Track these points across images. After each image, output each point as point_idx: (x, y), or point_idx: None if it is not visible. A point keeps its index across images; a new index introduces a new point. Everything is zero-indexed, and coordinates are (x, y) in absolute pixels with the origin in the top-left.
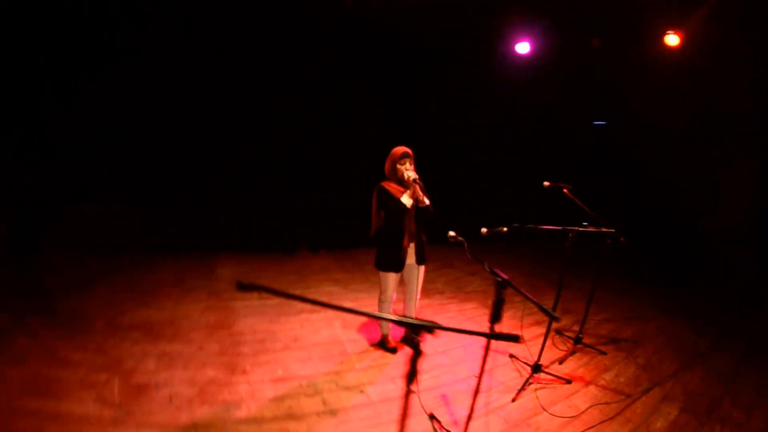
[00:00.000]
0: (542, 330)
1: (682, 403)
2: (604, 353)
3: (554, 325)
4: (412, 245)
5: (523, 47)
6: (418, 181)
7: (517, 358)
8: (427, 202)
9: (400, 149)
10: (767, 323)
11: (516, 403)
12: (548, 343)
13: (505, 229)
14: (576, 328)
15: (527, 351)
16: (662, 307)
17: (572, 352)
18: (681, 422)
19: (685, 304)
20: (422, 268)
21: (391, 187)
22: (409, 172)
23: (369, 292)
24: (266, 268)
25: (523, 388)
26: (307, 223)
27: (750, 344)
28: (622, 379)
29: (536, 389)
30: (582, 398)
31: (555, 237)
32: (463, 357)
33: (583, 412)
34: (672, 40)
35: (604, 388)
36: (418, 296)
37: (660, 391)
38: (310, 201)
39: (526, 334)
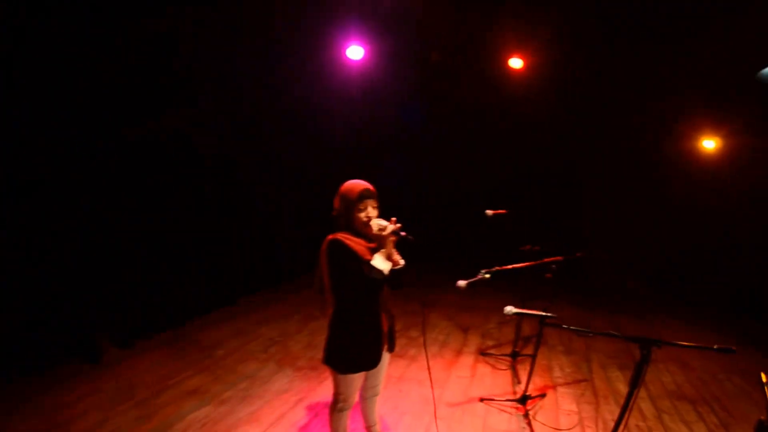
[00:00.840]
0: (476, 362)
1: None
2: (534, 356)
3: (477, 347)
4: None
5: (355, 53)
6: (398, 232)
7: (493, 399)
8: (402, 262)
9: (358, 186)
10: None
11: None
12: (485, 369)
13: (488, 275)
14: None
15: (485, 388)
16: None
17: (513, 366)
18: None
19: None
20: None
21: (352, 241)
22: (379, 220)
23: (265, 398)
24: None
25: (529, 426)
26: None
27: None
28: (568, 370)
29: (533, 417)
30: (565, 401)
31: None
32: None
33: (580, 411)
34: (516, 63)
35: (566, 384)
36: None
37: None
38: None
39: (464, 370)
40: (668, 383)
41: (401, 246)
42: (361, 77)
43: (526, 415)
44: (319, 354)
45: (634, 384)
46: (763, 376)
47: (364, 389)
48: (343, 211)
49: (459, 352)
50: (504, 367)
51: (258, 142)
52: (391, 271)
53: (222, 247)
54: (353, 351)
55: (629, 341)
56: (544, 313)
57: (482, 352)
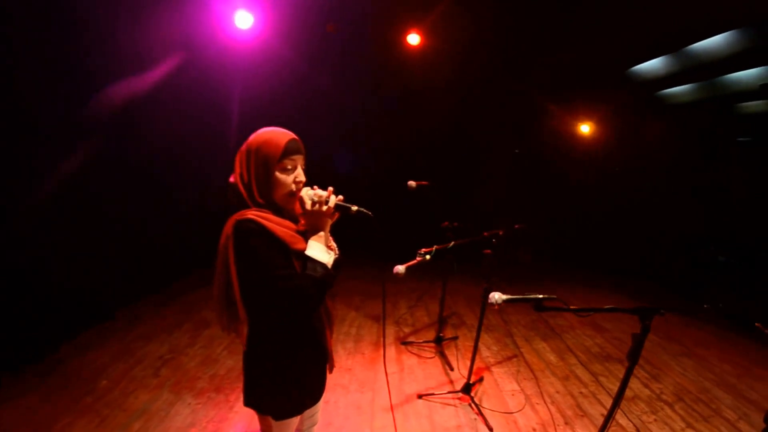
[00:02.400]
0: (399, 353)
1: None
2: (456, 338)
3: (395, 337)
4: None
5: (243, 19)
6: (345, 205)
7: (432, 394)
8: (337, 249)
9: (280, 135)
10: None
11: (495, 428)
12: (412, 359)
13: (428, 257)
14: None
15: (419, 382)
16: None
17: (440, 352)
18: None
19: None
20: None
21: (273, 223)
22: (313, 190)
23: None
24: None
25: (481, 414)
26: None
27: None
28: (495, 348)
29: (480, 403)
30: (504, 381)
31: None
32: None
33: (523, 389)
34: (413, 39)
35: (498, 363)
36: None
37: (516, 334)
38: None
39: (390, 365)
40: (592, 347)
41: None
42: (252, 49)
43: (472, 405)
44: (222, 370)
45: (635, 357)
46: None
47: (302, 421)
48: (254, 176)
49: (378, 345)
50: (430, 355)
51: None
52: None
53: (90, 252)
54: (292, 387)
55: (629, 313)
56: (542, 296)
57: (402, 342)
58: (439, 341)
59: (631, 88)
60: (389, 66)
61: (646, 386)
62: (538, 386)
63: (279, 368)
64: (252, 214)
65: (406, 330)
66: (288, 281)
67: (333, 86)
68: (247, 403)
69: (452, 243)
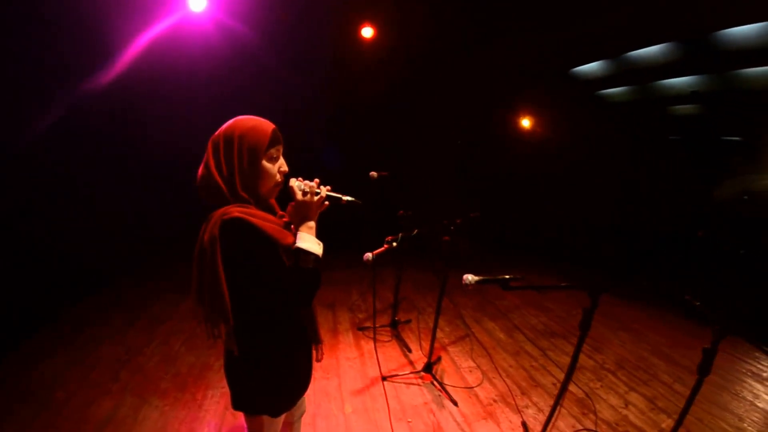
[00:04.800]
0: (357, 340)
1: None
2: (409, 321)
3: (351, 323)
4: None
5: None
6: (336, 195)
7: (396, 375)
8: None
9: (265, 125)
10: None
11: (459, 402)
12: (370, 344)
13: (395, 244)
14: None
15: (381, 366)
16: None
17: (396, 335)
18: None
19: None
20: None
21: (260, 218)
22: (300, 180)
23: None
24: None
25: (444, 391)
26: None
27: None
28: (447, 329)
29: (441, 381)
30: (461, 359)
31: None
32: None
33: (479, 365)
34: (367, 32)
35: (452, 343)
36: None
37: (466, 315)
38: None
39: (350, 351)
40: (537, 325)
41: None
42: (204, 35)
43: (435, 383)
44: (183, 367)
45: (585, 328)
46: None
47: (291, 413)
48: (236, 167)
49: (335, 332)
50: (387, 339)
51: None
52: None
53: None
54: (283, 383)
55: (581, 289)
56: (508, 276)
57: (359, 327)
58: (394, 325)
59: (573, 87)
60: (344, 58)
61: (590, 357)
62: (493, 362)
63: (271, 367)
64: (238, 211)
65: (361, 316)
66: (282, 278)
67: (285, 70)
68: (238, 406)
69: (415, 231)
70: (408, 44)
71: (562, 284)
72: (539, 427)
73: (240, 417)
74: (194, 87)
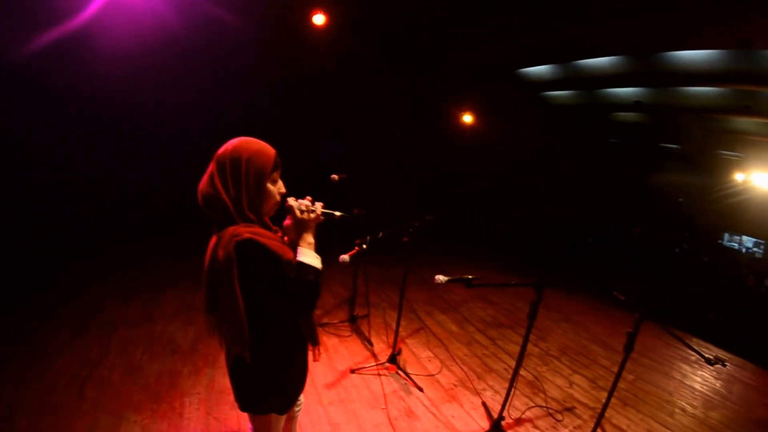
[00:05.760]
0: (320, 336)
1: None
2: (367, 315)
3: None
4: None
5: None
6: (330, 212)
7: (363, 367)
8: None
9: (268, 148)
10: None
11: (424, 388)
12: (333, 340)
13: (365, 246)
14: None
15: (346, 360)
16: None
17: (356, 330)
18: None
19: None
20: None
21: (266, 238)
22: (299, 200)
23: None
24: None
25: (410, 379)
26: None
27: None
28: (403, 323)
29: (406, 369)
30: (419, 350)
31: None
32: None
33: (436, 355)
34: (318, 19)
35: (409, 336)
36: None
37: (419, 309)
38: None
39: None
40: (486, 317)
41: None
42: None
43: (399, 372)
44: (150, 376)
45: (532, 317)
46: None
47: (292, 408)
48: (244, 188)
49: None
50: (347, 334)
51: None
52: None
53: None
54: (288, 383)
55: (530, 286)
56: (469, 277)
57: (319, 324)
58: (353, 320)
59: (518, 87)
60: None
61: (536, 345)
62: (448, 351)
63: (277, 369)
64: (249, 233)
65: (318, 312)
66: (288, 290)
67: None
68: (246, 408)
69: (381, 234)
70: (357, 41)
71: (512, 282)
72: (497, 406)
73: (226, 419)
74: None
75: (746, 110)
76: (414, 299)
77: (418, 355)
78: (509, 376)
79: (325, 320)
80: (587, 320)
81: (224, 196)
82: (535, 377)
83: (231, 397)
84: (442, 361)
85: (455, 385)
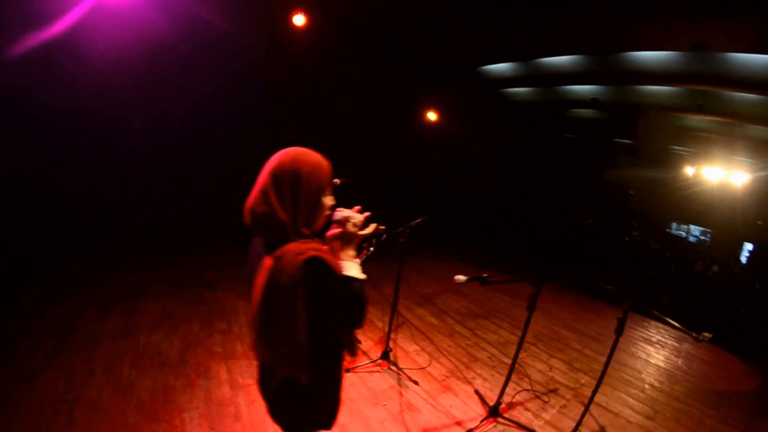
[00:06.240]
0: None
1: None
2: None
3: None
4: None
5: None
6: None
7: (357, 366)
8: None
9: (322, 158)
10: None
11: (419, 381)
12: None
13: (372, 249)
14: None
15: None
16: None
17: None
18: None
19: None
20: None
21: (327, 254)
22: (350, 213)
23: None
24: None
25: (404, 374)
26: None
27: None
28: (386, 319)
29: (399, 364)
30: (406, 345)
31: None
32: None
33: (423, 348)
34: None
35: (393, 331)
36: None
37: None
38: None
39: None
40: (461, 308)
41: None
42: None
43: (392, 367)
44: (143, 393)
45: (531, 309)
46: None
47: None
48: (301, 204)
49: None
50: None
51: None
52: None
53: None
54: (336, 396)
55: (526, 281)
56: (485, 275)
57: None
58: None
59: (478, 83)
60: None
61: (513, 334)
62: (434, 344)
63: (328, 383)
64: (312, 250)
65: None
66: (349, 307)
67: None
68: (293, 429)
69: (384, 236)
70: (335, 42)
71: (515, 277)
72: (488, 393)
73: None
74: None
75: (699, 109)
76: (389, 294)
77: (406, 350)
78: (494, 364)
79: None
80: (554, 308)
81: (281, 213)
82: (518, 364)
83: (232, 409)
84: (429, 354)
85: (447, 376)
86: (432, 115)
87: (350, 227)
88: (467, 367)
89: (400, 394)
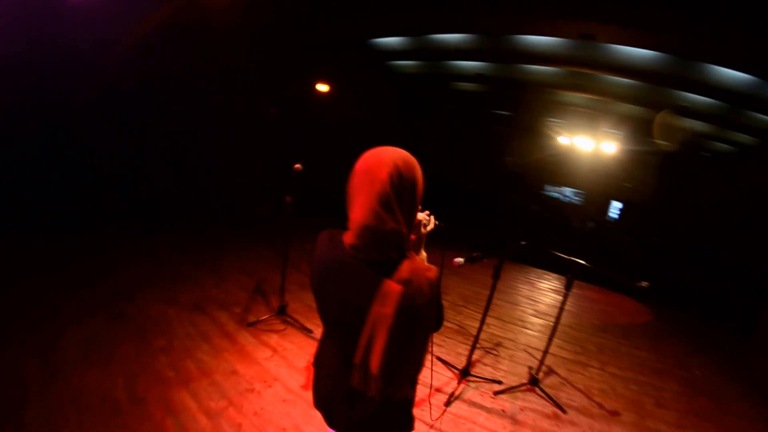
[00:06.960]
0: (256, 337)
1: None
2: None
3: (236, 322)
4: None
5: None
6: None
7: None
8: None
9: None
10: None
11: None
12: (272, 337)
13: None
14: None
15: (296, 354)
16: None
17: (286, 321)
18: None
19: None
20: None
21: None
22: (423, 216)
23: None
24: None
25: None
26: None
27: None
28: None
29: None
30: None
31: None
32: None
33: None
34: None
35: None
36: None
37: None
38: None
39: (261, 351)
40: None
41: None
42: None
43: None
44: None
45: (496, 277)
46: None
47: None
48: (408, 214)
49: (228, 336)
50: (282, 327)
51: None
52: None
53: None
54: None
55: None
56: (476, 254)
57: (248, 324)
58: (282, 310)
59: (366, 56)
60: None
61: (444, 300)
62: None
63: (412, 398)
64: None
65: (237, 310)
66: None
67: None
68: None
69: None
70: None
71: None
72: (448, 357)
73: None
74: None
75: (577, 87)
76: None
77: None
78: (441, 331)
79: (252, 318)
80: (465, 271)
81: (404, 227)
82: (459, 326)
83: None
84: None
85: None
86: (323, 87)
87: (423, 229)
88: (449, 337)
89: None
